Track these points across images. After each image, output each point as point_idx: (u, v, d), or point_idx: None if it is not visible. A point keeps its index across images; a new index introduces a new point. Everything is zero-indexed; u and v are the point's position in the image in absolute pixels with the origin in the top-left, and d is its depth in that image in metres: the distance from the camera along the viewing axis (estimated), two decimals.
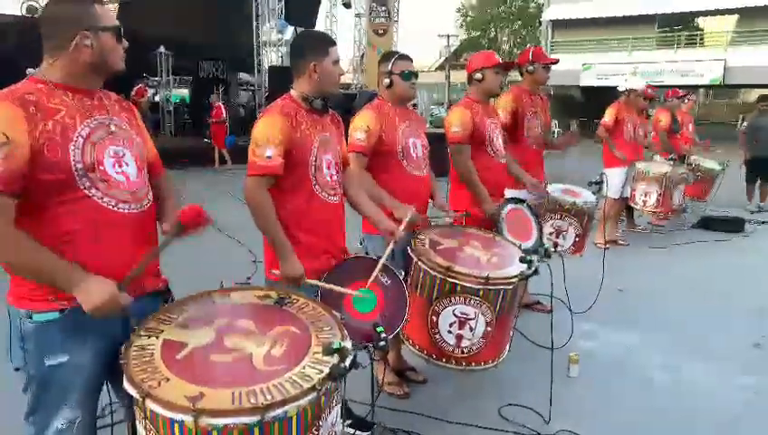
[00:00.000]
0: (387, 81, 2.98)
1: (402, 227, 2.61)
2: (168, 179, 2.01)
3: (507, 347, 2.93)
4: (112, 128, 1.70)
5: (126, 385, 1.49)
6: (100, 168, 1.63)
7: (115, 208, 1.66)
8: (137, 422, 1.53)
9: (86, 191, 1.61)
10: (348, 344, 1.60)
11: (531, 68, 4.29)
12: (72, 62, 1.64)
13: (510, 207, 3.57)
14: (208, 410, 1.37)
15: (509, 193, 3.80)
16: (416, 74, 3.02)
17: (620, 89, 6.43)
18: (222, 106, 14.21)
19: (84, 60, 1.64)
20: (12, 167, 1.49)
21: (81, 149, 1.60)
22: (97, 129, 1.66)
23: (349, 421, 2.74)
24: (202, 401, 1.39)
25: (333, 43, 2.43)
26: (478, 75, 3.53)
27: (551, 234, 4.08)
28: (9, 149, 1.48)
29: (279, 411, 1.41)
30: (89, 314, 1.54)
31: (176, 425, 1.39)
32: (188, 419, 1.36)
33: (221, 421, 1.37)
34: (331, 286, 2.29)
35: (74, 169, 1.58)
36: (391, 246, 2.54)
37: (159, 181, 1.96)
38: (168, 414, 1.39)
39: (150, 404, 1.41)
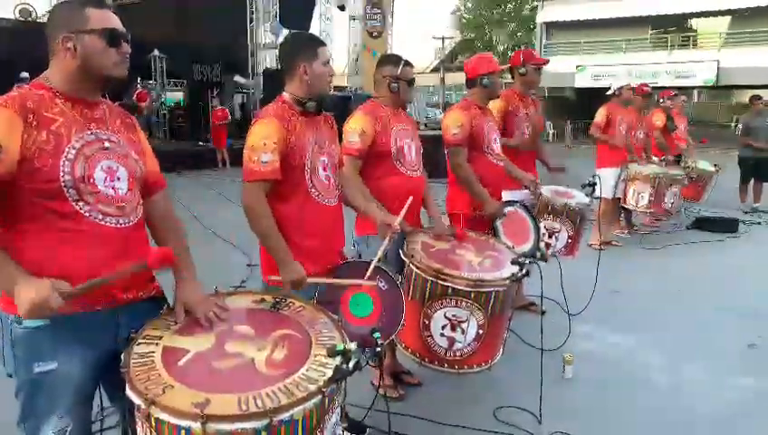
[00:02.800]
0: (395, 85, 2.99)
1: (398, 219, 2.57)
2: (166, 199, 1.97)
3: (500, 349, 2.92)
4: (106, 144, 1.68)
5: (129, 393, 1.47)
6: (91, 181, 1.62)
7: (102, 222, 1.65)
8: (138, 429, 1.52)
9: (73, 204, 1.60)
10: (352, 346, 1.60)
11: (522, 70, 4.29)
12: (63, 68, 1.63)
13: (508, 209, 3.57)
14: (216, 415, 1.37)
15: (506, 195, 3.81)
16: (414, 79, 3.11)
17: (609, 92, 6.47)
18: (226, 109, 15.02)
19: (70, 65, 1.62)
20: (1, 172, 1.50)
21: (72, 161, 1.59)
22: (92, 142, 1.65)
23: (344, 425, 2.74)
24: (209, 407, 1.39)
25: (322, 44, 2.41)
26: (486, 81, 3.55)
27: (543, 235, 4.08)
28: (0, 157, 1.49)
29: (286, 415, 1.41)
30: (22, 314, 1.47)
31: (182, 431, 1.38)
32: (196, 425, 1.36)
33: (229, 427, 1.37)
34: (336, 280, 2.30)
35: (62, 181, 1.57)
36: (386, 242, 2.52)
37: (157, 199, 1.92)
38: (175, 421, 1.38)
39: (156, 412, 1.40)
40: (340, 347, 1.59)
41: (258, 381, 1.50)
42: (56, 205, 1.58)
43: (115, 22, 1.68)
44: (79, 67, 1.63)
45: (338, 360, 1.57)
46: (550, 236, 4.11)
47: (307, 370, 1.56)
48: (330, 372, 1.53)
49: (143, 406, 1.43)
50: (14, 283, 1.48)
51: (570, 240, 4.17)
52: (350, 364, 1.55)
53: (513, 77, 4.42)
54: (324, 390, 1.48)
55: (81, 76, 1.64)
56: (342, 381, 1.58)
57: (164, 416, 1.40)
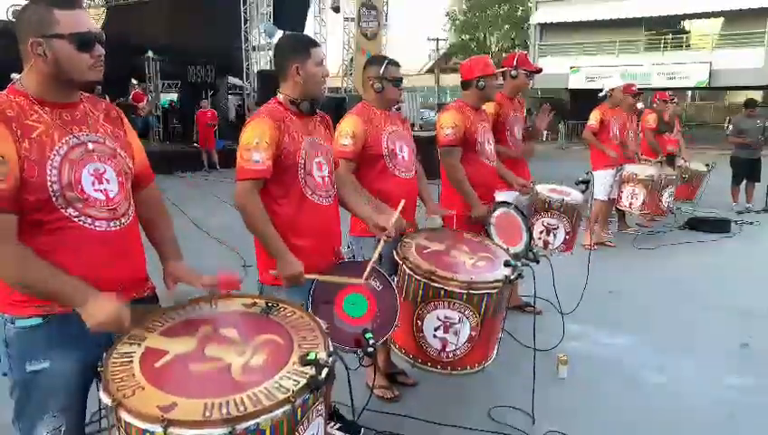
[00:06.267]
0: (378, 85, 2.98)
1: (392, 223, 2.57)
2: (155, 189, 1.96)
3: (495, 351, 2.92)
4: (90, 146, 1.65)
5: (100, 392, 1.47)
6: (78, 186, 1.60)
7: (93, 227, 1.63)
8: (114, 430, 1.51)
9: (63, 211, 1.58)
10: (323, 355, 1.54)
11: (514, 73, 4.28)
12: (37, 74, 1.59)
13: (500, 210, 3.58)
14: (178, 420, 1.34)
15: (499, 196, 3.82)
16: (401, 79, 3.09)
17: (601, 94, 6.50)
18: (214, 110, 14.90)
19: (42, 71, 1.58)
20: (12, 184, 1.49)
21: (58, 168, 1.56)
22: (76, 146, 1.62)
23: (338, 425, 2.74)
24: (173, 411, 1.37)
25: (316, 45, 2.41)
26: (481, 83, 3.55)
27: (541, 232, 4.10)
28: (7, 167, 1.48)
29: (251, 423, 1.37)
30: (90, 328, 1.56)
31: None
32: (158, 429, 1.34)
33: (191, 432, 1.34)
34: (333, 278, 2.29)
35: (50, 189, 1.55)
36: (381, 244, 2.52)
37: (147, 190, 1.91)
38: (139, 424, 1.37)
39: (122, 413, 1.39)
40: (312, 356, 1.53)
41: (230, 388, 1.46)
42: (47, 214, 1.55)
43: (86, 23, 1.60)
44: (51, 73, 1.58)
45: (311, 369, 1.51)
46: (548, 234, 4.13)
47: (281, 378, 1.51)
48: (304, 381, 1.48)
49: (111, 406, 1.42)
50: (84, 298, 1.55)
51: (567, 236, 4.20)
52: (322, 374, 1.50)
53: (503, 78, 4.41)
54: (294, 399, 1.43)
55: (54, 82, 1.60)
56: (317, 391, 1.51)
57: (129, 418, 1.38)
